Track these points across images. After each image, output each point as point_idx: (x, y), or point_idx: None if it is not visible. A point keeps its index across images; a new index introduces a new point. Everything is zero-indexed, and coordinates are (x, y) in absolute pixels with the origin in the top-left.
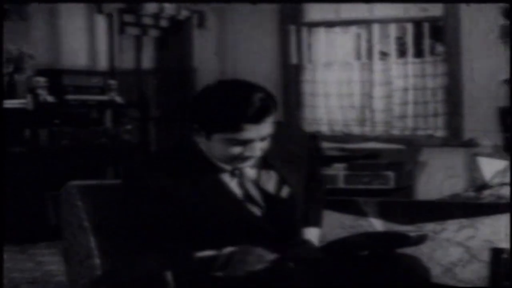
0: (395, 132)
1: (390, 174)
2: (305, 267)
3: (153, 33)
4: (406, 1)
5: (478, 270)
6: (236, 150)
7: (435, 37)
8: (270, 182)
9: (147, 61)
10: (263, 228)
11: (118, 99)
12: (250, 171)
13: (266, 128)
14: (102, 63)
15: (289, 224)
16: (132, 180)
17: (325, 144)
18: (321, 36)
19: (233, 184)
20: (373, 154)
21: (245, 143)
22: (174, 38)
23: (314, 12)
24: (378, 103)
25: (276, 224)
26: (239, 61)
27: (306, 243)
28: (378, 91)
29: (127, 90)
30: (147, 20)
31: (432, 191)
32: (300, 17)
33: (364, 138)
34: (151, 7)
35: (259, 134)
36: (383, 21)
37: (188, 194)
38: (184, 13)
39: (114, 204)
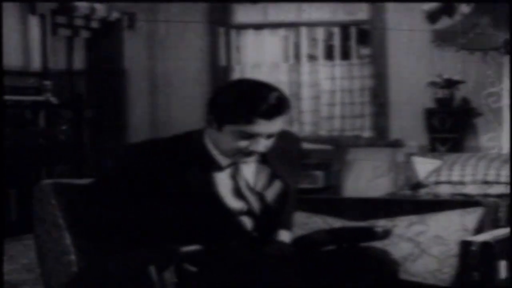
0: (323, 132)
1: (319, 173)
2: (278, 264)
3: (85, 34)
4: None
5: (427, 264)
6: (243, 143)
7: (361, 40)
8: (263, 176)
9: (79, 62)
10: (240, 224)
11: (53, 99)
12: (244, 166)
13: (275, 126)
14: (36, 64)
15: (276, 219)
16: (125, 168)
17: None
18: (249, 38)
19: (225, 178)
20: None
21: (253, 137)
22: (105, 40)
23: (242, 15)
24: (306, 104)
25: (262, 219)
26: (169, 62)
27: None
28: (306, 93)
29: (60, 91)
30: (79, 22)
31: (359, 191)
32: (229, 19)
33: None
34: (83, 8)
35: (268, 131)
36: (311, 24)
37: (178, 185)
38: (114, 15)
39: (88, 201)
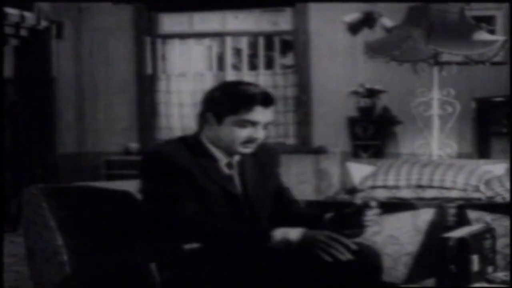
0: None
1: None
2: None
3: (14, 42)
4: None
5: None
6: (246, 132)
7: (285, 50)
8: (253, 168)
9: (8, 70)
10: (241, 209)
11: None
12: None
13: (269, 114)
14: None
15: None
16: (158, 162)
17: None
18: (175, 47)
19: (225, 171)
20: None
21: (254, 125)
22: (34, 48)
23: (168, 24)
24: None
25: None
26: (96, 70)
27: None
28: None
29: None
30: (8, 30)
31: None
32: (155, 29)
33: None
34: (13, 16)
35: (265, 119)
36: (235, 34)
37: (198, 177)
38: (43, 24)
39: (76, 204)
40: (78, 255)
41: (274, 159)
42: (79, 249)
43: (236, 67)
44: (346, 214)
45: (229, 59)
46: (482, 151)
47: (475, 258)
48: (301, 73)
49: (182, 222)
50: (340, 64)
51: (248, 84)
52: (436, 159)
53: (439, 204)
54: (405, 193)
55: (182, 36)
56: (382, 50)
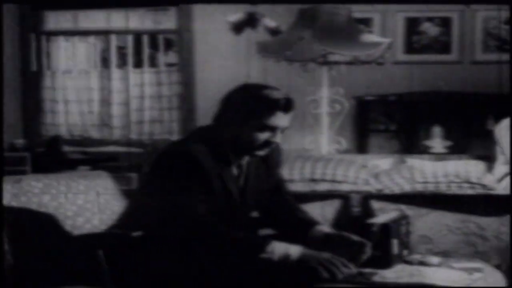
0: (133, 136)
1: (133, 175)
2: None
3: None
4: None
5: None
6: (265, 135)
7: (169, 49)
8: (260, 170)
9: None
10: (236, 210)
11: None
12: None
13: (288, 119)
14: None
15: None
16: (185, 161)
17: (67, 148)
18: (60, 44)
19: (234, 173)
20: (113, 157)
21: (273, 129)
22: None
23: (53, 21)
24: (116, 109)
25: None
26: None
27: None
28: (116, 98)
29: None
30: None
31: None
32: (40, 26)
33: (103, 142)
34: None
35: (283, 124)
36: (120, 32)
37: (213, 180)
38: None
39: None
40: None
41: (278, 157)
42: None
43: (121, 65)
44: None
45: (114, 56)
46: (361, 147)
47: (395, 242)
48: (185, 71)
49: (189, 221)
50: (224, 62)
51: (271, 88)
52: (327, 155)
53: (346, 195)
54: (300, 187)
55: (67, 34)
56: (275, 50)
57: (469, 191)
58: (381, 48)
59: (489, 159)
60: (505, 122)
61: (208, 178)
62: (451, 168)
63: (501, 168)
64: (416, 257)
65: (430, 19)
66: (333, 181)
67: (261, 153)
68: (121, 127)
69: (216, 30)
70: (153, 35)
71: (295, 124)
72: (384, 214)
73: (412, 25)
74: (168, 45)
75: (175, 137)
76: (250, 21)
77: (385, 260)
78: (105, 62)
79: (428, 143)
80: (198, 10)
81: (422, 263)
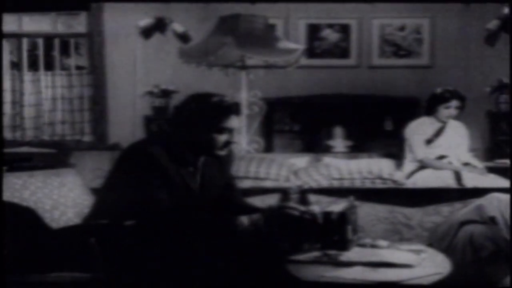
0: (46, 137)
1: None
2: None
3: None
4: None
5: None
6: (224, 137)
7: (80, 52)
8: (214, 167)
9: None
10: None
11: None
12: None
13: (239, 121)
14: None
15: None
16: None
17: None
18: None
19: (190, 169)
20: (27, 158)
21: (230, 131)
22: None
23: None
24: (28, 111)
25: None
26: None
27: None
28: (28, 100)
29: None
30: None
31: None
32: None
33: (16, 143)
34: None
35: (236, 125)
36: (32, 35)
37: (172, 175)
38: None
39: None
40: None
41: (230, 156)
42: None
43: (33, 68)
44: None
45: (25, 60)
46: (267, 147)
47: (350, 228)
48: (96, 74)
49: (154, 211)
50: (134, 65)
51: (221, 95)
52: (248, 154)
53: (284, 189)
54: (245, 184)
55: None
56: (197, 56)
57: (382, 186)
58: (297, 54)
59: (397, 157)
60: (414, 123)
61: (168, 174)
62: (364, 165)
63: (409, 165)
64: (368, 241)
65: (330, 26)
66: (256, 178)
67: (222, 152)
68: (33, 128)
69: (126, 34)
70: (64, 39)
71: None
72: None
73: (313, 31)
74: (80, 48)
75: (86, 138)
76: (159, 26)
77: (342, 243)
78: (16, 64)
79: (330, 143)
80: (109, 14)
81: (373, 246)
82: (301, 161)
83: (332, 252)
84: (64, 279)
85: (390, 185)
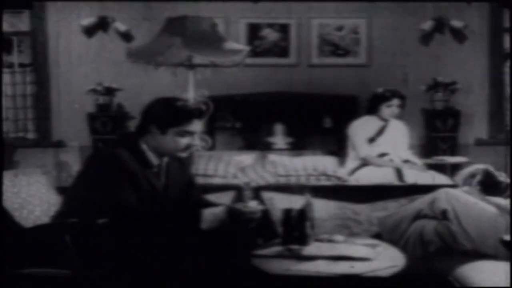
0: None
1: None
2: None
3: None
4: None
5: None
6: (185, 140)
7: (24, 50)
8: (176, 168)
9: None
10: (165, 199)
11: None
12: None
13: (201, 125)
14: None
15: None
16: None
17: None
18: None
19: (155, 170)
20: None
21: (191, 134)
22: None
23: None
24: None
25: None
26: None
27: None
28: None
29: None
30: None
31: None
32: None
33: None
34: None
35: (198, 129)
36: None
37: (138, 176)
38: None
39: None
40: None
41: (191, 158)
42: None
43: None
44: None
45: None
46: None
47: (308, 224)
48: (40, 71)
49: (121, 210)
50: (78, 63)
51: (183, 100)
52: (197, 152)
53: (238, 186)
54: (199, 180)
55: None
56: (146, 56)
57: (326, 183)
58: (242, 54)
59: (338, 154)
60: (356, 122)
61: (134, 175)
62: (308, 162)
63: (352, 162)
64: (325, 236)
65: (270, 25)
66: (205, 175)
67: (184, 154)
68: None
69: (70, 33)
70: (7, 37)
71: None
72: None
73: (254, 30)
74: (24, 46)
75: (30, 135)
76: (102, 25)
77: (302, 239)
78: None
79: (271, 139)
80: (52, 13)
81: (330, 241)
82: (247, 158)
83: (294, 247)
84: (37, 274)
85: (334, 181)
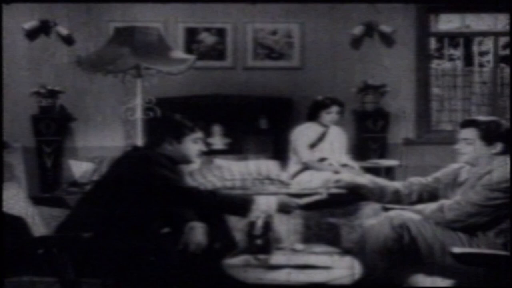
0: None
1: None
2: None
3: None
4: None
5: None
6: (198, 146)
7: None
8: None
9: None
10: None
11: None
12: None
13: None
14: None
15: None
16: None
17: None
18: None
19: None
20: None
21: (201, 141)
22: None
23: None
24: None
25: None
26: None
27: None
28: None
29: None
30: None
31: None
32: None
33: None
34: None
35: (202, 136)
36: None
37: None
38: None
39: None
40: None
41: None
42: None
43: None
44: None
45: None
46: None
47: (272, 234)
48: None
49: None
50: (22, 66)
51: (181, 116)
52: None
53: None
54: None
55: None
56: (96, 65)
57: (270, 187)
58: (189, 63)
59: (281, 158)
60: (298, 128)
61: (170, 167)
62: (253, 166)
63: (294, 166)
64: (285, 245)
65: (207, 30)
66: None
67: (198, 160)
68: None
69: (12, 36)
70: None
71: (115, 129)
72: None
73: (191, 34)
74: None
75: None
76: (44, 29)
77: (266, 248)
78: None
79: (209, 140)
80: None
81: (292, 249)
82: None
83: (261, 256)
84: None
85: (277, 185)
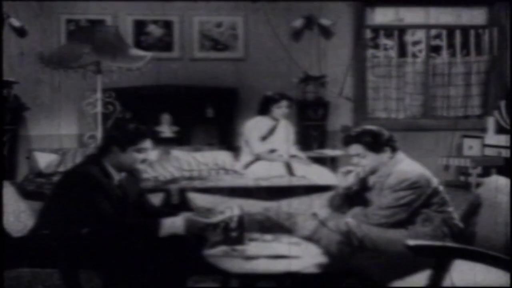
0: None
1: None
2: None
3: None
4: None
5: None
6: (141, 155)
7: None
8: (130, 179)
9: None
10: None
11: None
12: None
13: (149, 142)
14: None
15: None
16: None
17: None
18: None
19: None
20: None
21: (144, 151)
22: None
23: None
24: None
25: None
26: None
27: None
28: None
29: None
30: None
31: None
32: None
33: None
34: None
35: (150, 146)
36: None
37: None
38: None
39: None
40: None
41: (138, 170)
42: None
43: None
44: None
45: None
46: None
47: (245, 227)
48: None
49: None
50: None
51: (134, 122)
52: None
53: (166, 188)
54: None
55: None
56: (58, 62)
57: (226, 176)
58: (146, 59)
59: (234, 149)
60: (250, 122)
61: (105, 189)
62: (209, 157)
63: (246, 157)
64: (256, 236)
65: (155, 22)
66: None
67: (143, 168)
68: None
69: None
70: None
71: (77, 122)
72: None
73: (140, 26)
74: None
75: None
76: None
77: (240, 240)
78: None
79: (158, 128)
80: None
81: (263, 240)
82: (151, 154)
83: (238, 247)
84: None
85: (232, 174)
